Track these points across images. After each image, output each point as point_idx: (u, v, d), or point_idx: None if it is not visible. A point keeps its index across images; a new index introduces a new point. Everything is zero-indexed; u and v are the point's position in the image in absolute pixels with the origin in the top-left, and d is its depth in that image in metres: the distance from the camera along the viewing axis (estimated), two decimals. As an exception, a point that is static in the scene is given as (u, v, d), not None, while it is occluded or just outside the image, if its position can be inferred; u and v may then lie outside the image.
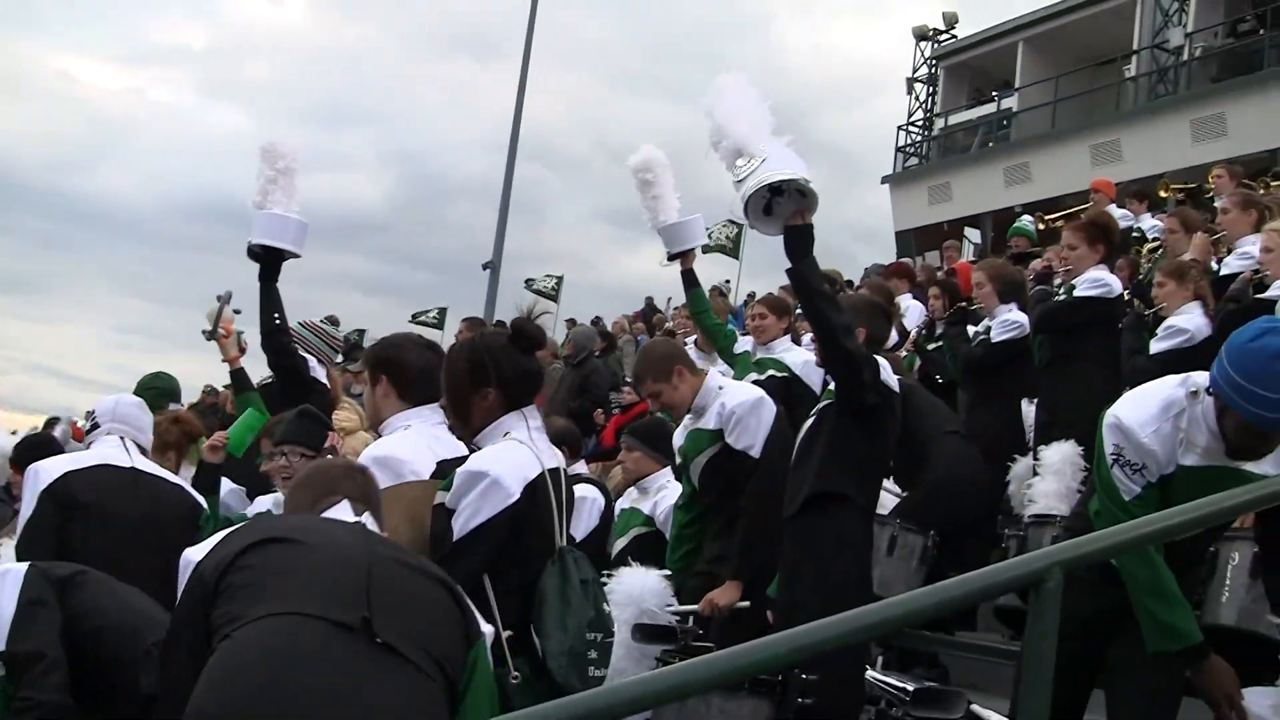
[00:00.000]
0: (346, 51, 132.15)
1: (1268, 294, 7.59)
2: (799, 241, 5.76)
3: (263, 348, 8.00)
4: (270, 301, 7.88)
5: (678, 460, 7.22)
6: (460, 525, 4.33)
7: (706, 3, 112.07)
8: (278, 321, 7.90)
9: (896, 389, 6.25)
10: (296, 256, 7.93)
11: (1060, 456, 7.99)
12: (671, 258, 9.49)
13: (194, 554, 3.60)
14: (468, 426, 4.65)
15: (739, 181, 5.68)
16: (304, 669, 3.07)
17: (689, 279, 9.65)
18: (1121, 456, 4.64)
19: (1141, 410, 4.67)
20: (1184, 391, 4.60)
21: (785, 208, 5.73)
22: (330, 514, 3.76)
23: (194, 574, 3.38)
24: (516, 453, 4.52)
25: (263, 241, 7.80)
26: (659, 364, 6.97)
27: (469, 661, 3.44)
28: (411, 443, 4.88)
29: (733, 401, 6.79)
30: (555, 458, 4.73)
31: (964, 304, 10.52)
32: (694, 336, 11.17)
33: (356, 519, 3.75)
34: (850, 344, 5.86)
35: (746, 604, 6.40)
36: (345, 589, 3.26)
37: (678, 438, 7.19)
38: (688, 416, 6.98)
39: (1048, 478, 8.00)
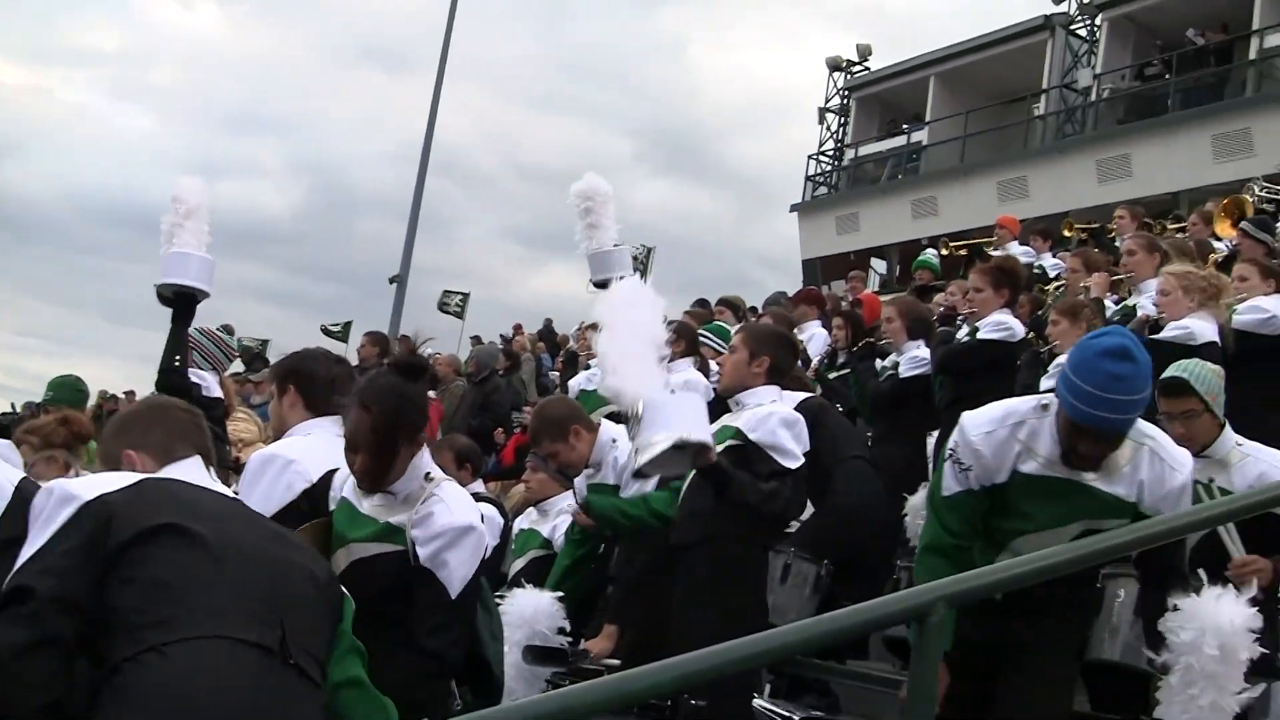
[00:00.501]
0: (258, 58, 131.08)
1: (1161, 335, 7.70)
2: (717, 479, 5.81)
3: (157, 385, 7.88)
4: (177, 343, 7.74)
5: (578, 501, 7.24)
6: (458, 581, 4.24)
7: (621, 24, 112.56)
8: (177, 363, 7.77)
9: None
10: (206, 295, 7.81)
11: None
12: (598, 285, 9.56)
13: (75, 488, 3.31)
14: (388, 475, 4.43)
15: (634, 448, 5.68)
16: (243, 702, 3.05)
17: None
18: (955, 453, 4.79)
19: (983, 414, 4.81)
20: (1033, 404, 4.75)
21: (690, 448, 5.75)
22: (183, 469, 3.69)
23: (91, 513, 3.22)
24: (464, 494, 4.50)
25: (170, 282, 7.65)
26: (555, 425, 6.91)
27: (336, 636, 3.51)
28: (304, 445, 4.84)
29: (625, 456, 6.74)
30: None
31: (871, 339, 10.62)
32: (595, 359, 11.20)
33: (213, 482, 3.74)
34: (778, 507, 6.01)
35: (617, 662, 6.36)
36: (261, 605, 3.24)
37: (580, 485, 7.17)
38: (588, 469, 7.00)
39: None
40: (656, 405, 5.57)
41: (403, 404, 4.43)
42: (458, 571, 4.23)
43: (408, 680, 4.03)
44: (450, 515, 4.30)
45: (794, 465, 6.07)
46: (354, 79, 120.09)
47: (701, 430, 5.60)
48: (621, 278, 9.55)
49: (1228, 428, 5.66)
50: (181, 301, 7.60)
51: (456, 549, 4.24)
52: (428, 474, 4.44)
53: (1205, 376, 5.67)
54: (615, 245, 9.40)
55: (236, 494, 4.09)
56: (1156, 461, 4.59)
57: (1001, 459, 4.69)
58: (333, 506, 4.55)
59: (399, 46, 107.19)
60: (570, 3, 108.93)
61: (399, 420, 4.39)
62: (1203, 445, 5.55)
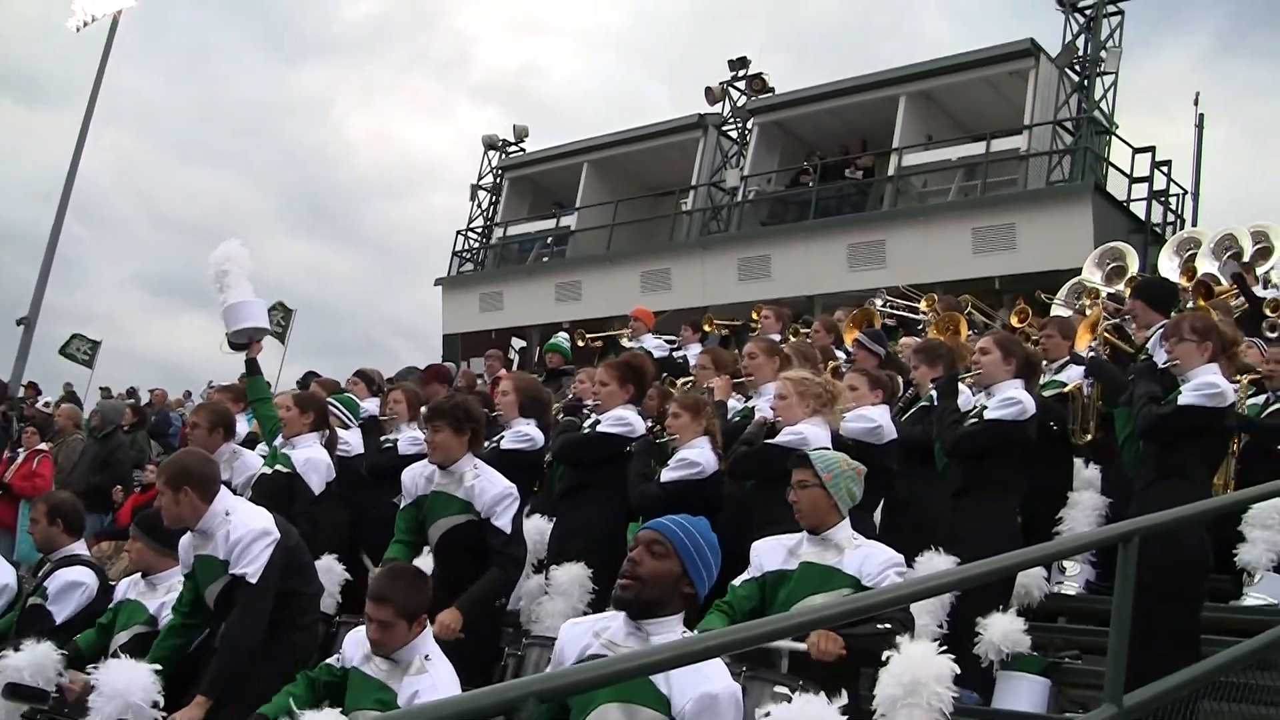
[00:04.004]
0: None
1: (776, 439, 7.91)
2: None
3: None
4: None
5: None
6: None
7: (265, 78, 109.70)
8: None
9: None
10: None
11: (569, 578, 8.19)
12: (235, 347, 9.52)
13: None
14: None
15: None
16: None
17: (252, 367, 9.72)
18: None
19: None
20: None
21: None
22: None
23: None
24: None
25: None
26: (178, 475, 6.78)
27: None
28: None
29: (237, 531, 6.68)
30: None
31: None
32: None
33: None
34: None
35: None
36: None
37: (185, 552, 6.97)
38: (193, 535, 6.87)
39: (556, 598, 8.18)
40: None
41: None
42: None
43: None
44: None
45: None
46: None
47: None
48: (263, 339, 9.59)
49: (848, 520, 6.17)
50: None
51: None
52: None
53: (829, 460, 6.27)
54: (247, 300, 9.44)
55: None
56: None
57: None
58: None
59: (33, 76, 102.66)
60: (212, 52, 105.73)
61: None
62: (818, 526, 6.11)
